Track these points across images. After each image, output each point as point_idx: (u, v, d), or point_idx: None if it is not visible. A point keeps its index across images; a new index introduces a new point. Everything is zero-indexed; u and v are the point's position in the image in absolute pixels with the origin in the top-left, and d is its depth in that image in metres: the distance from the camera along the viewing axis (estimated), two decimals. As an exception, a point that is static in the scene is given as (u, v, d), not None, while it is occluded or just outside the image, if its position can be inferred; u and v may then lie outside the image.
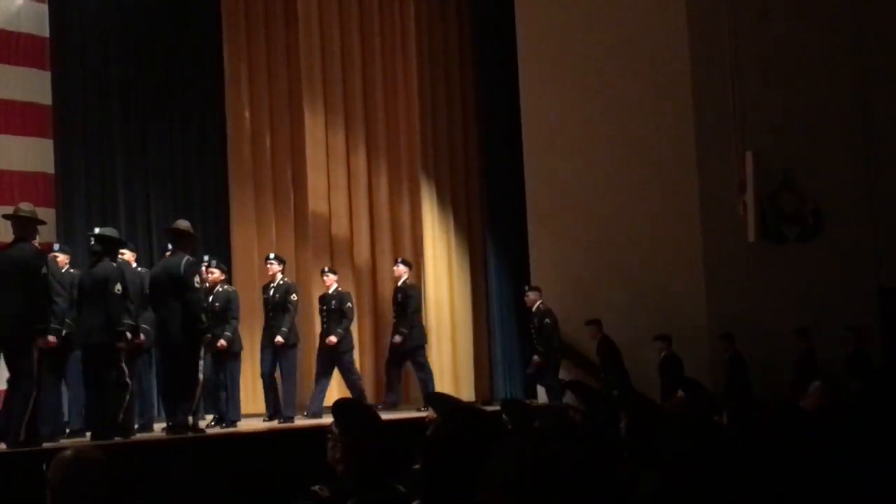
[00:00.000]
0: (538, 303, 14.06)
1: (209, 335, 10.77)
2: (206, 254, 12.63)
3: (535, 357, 13.97)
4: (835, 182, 13.80)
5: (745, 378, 13.00)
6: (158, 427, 11.00)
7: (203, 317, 10.30)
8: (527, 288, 14.39)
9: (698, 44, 13.77)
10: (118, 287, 9.63)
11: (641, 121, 13.97)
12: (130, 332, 9.87)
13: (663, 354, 13.29)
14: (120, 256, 10.43)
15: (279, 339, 12.26)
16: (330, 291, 13.32)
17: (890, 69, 13.99)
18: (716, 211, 13.71)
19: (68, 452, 3.48)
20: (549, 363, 13.94)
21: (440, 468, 3.40)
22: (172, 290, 9.98)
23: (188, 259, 10.15)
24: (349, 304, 13.27)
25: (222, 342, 11.60)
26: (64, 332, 9.83)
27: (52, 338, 9.38)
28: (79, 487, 3.39)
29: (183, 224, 10.60)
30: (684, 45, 13.79)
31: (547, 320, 13.90)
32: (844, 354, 13.04)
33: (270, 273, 12.47)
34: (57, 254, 10.15)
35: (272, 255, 12.77)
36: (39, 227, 9.44)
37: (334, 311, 13.11)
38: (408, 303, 13.73)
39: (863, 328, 13.11)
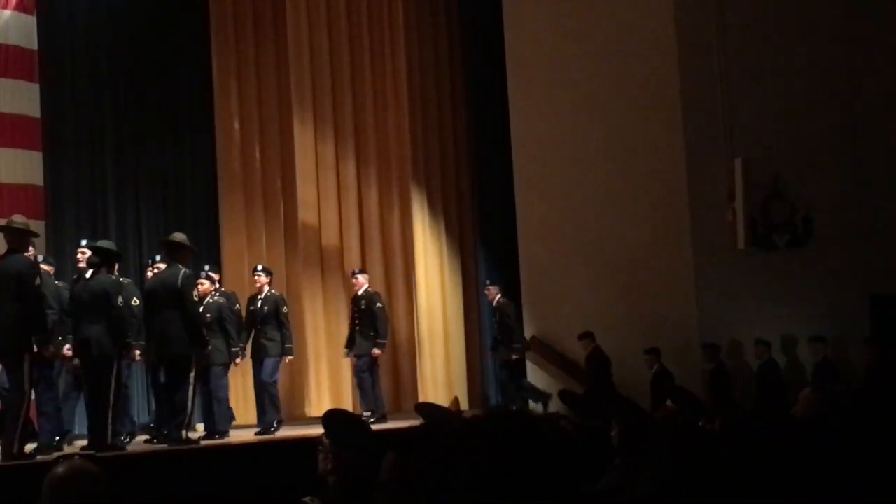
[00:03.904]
0: (498, 297, 14.41)
1: (209, 347, 10.75)
2: (196, 265, 12.58)
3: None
4: (824, 189, 13.81)
5: (728, 391, 12.88)
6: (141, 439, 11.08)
7: (204, 331, 10.37)
8: (488, 282, 14.84)
9: (687, 51, 13.77)
10: (120, 300, 9.63)
11: (630, 130, 13.97)
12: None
13: (655, 368, 13.22)
14: None
15: (289, 358, 12.40)
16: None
17: (879, 77, 14.03)
18: (706, 218, 13.70)
19: (60, 468, 3.38)
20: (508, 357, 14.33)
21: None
22: (170, 303, 9.96)
23: (185, 272, 10.12)
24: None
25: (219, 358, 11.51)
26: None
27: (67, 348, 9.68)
28: (72, 501, 3.34)
29: (179, 236, 10.52)
30: (673, 53, 13.79)
31: (507, 316, 14.29)
32: (813, 364, 13.11)
33: (258, 285, 12.40)
34: (42, 265, 10.11)
35: (260, 267, 12.70)
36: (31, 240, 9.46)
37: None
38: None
39: (821, 339, 13.20)
